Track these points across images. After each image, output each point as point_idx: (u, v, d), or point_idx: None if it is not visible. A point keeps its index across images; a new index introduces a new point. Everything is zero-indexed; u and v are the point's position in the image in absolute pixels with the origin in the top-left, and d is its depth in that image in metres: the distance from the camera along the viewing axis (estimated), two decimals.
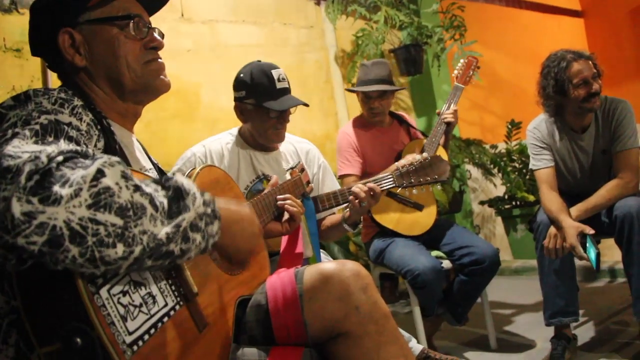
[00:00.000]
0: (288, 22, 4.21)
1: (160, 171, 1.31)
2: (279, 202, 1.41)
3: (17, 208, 0.67)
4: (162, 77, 1.17)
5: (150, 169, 1.21)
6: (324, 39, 4.37)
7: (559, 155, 2.50)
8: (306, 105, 2.03)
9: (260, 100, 1.96)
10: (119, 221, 0.73)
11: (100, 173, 0.73)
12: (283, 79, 2.00)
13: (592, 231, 2.15)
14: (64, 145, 0.80)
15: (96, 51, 1.11)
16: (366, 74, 2.70)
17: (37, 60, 3.28)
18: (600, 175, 2.47)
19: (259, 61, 2.06)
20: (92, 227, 0.70)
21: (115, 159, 0.78)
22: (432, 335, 2.77)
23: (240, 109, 2.06)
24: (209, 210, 0.89)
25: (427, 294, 2.43)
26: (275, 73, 1.98)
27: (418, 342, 2.43)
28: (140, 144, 1.28)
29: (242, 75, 2.03)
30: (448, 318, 2.66)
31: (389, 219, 2.62)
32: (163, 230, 0.79)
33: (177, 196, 0.84)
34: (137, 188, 0.78)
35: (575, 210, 2.28)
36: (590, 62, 2.36)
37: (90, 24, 1.10)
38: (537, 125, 2.54)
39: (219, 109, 3.75)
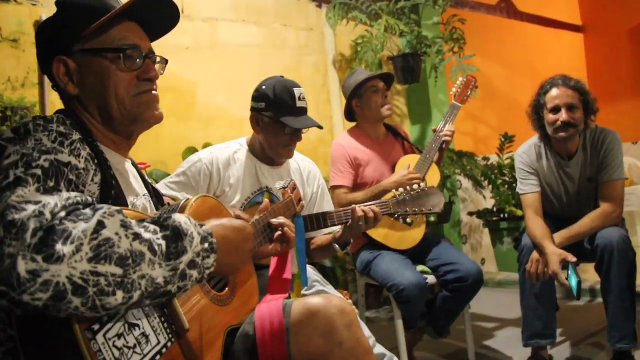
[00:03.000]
0: (288, 24, 4.22)
1: (156, 193, 1.34)
2: (274, 224, 1.45)
3: (22, 266, 0.70)
4: (152, 109, 1.17)
5: (144, 195, 1.24)
6: (323, 42, 4.38)
7: (546, 180, 2.56)
8: (320, 127, 2.07)
9: (279, 115, 2.00)
10: (118, 270, 0.77)
11: (100, 225, 0.77)
12: (303, 98, 2.05)
13: (574, 259, 2.21)
14: (64, 193, 0.83)
15: (87, 81, 1.12)
16: (361, 74, 2.77)
17: (34, 51, 3.24)
18: (585, 201, 2.53)
19: (282, 77, 2.11)
20: (93, 278, 0.74)
21: (115, 208, 0.82)
22: (413, 346, 2.82)
23: (257, 120, 2.08)
24: (206, 245, 0.93)
25: (411, 308, 2.47)
26: (297, 91, 2.03)
27: (399, 354, 2.48)
28: (136, 167, 1.30)
29: (264, 87, 2.06)
30: (429, 331, 2.71)
31: (378, 231, 2.66)
32: (161, 275, 0.83)
33: (175, 237, 0.88)
34: (136, 236, 0.81)
35: (558, 237, 2.34)
36: (573, 92, 2.38)
37: (84, 53, 1.11)
38: (526, 150, 2.59)
39: (214, 108, 3.77)
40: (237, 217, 1.35)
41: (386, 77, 2.84)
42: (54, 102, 3.10)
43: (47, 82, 3.12)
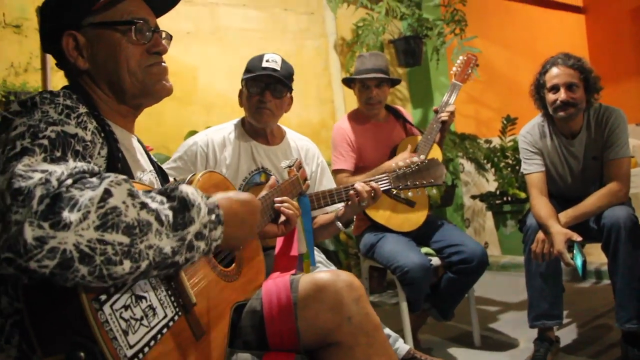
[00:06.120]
0: (289, 8, 4.19)
1: (162, 171, 1.33)
2: (276, 205, 1.43)
3: (29, 233, 0.69)
4: (163, 81, 1.19)
5: (150, 171, 1.23)
6: (324, 26, 4.34)
7: (550, 159, 2.53)
8: (292, 89, 2.08)
9: (245, 76, 2.05)
10: (125, 239, 0.76)
11: (107, 193, 0.76)
12: (274, 61, 2.05)
13: (579, 238, 2.18)
14: (71, 162, 0.82)
15: (98, 55, 1.12)
16: (363, 64, 2.72)
17: (37, 37, 3.26)
18: (590, 180, 2.50)
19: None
20: (100, 247, 0.73)
21: (122, 177, 0.80)
22: (417, 329, 2.82)
23: (239, 93, 2.14)
24: (213, 217, 0.92)
25: (415, 290, 2.46)
26: (267, 56, 2.06)
27: (404, 337, 2.48)
28: (141, 144, 1.29)
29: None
30: (434, 314, 2.70)
31: (381, 214, 2.65)
32: (169, 245, 0.82)
33: (183, 207, 0.87)
34: (143, 205, 0.80)
35: (564, 216, 2.32)
36: (573, 71, 2.36)
37: (94, 27, 1.11)
38: (529, 129, 2.57)
39: (215, 93, 3.76)
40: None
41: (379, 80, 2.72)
42: (57, 87, 3.08)
43: (50, 67, 3.11)
